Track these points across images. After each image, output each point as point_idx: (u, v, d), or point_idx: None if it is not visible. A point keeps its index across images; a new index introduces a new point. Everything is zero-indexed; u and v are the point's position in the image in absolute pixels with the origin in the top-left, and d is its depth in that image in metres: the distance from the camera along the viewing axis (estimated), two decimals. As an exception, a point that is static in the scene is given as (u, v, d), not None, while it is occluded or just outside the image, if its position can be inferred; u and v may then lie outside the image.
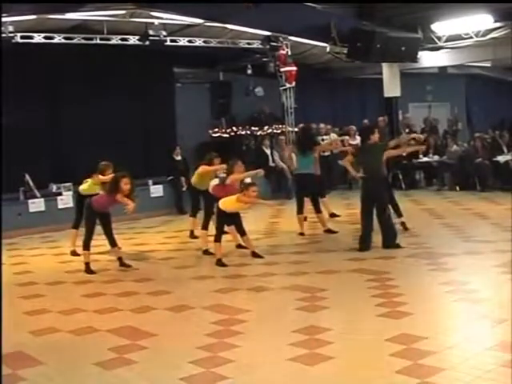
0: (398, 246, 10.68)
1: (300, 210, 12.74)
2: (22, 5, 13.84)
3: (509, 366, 5.40)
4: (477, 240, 11.10)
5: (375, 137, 10.97)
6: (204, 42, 17.91)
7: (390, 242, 10.70)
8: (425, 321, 6.88)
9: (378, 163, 10.84)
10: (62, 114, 17.96)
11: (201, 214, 12.06)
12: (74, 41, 16.25)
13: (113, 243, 10.66)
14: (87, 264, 10.41)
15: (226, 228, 10.91)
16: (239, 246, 11.28)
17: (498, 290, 7.77)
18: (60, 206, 15.53)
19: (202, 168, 12.03)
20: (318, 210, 12.78)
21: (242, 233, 10.60)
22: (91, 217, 10.53)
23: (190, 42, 17.71)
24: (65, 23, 16.08)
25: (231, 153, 16.11)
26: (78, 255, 11.32)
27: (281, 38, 18.86)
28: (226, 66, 21.17)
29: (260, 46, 18.94)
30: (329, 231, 12.58)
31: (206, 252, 11.20)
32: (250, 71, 20.20)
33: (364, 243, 10.70)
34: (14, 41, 15.00)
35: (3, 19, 14.35)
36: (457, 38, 18.29)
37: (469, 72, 24.99)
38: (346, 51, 17.69)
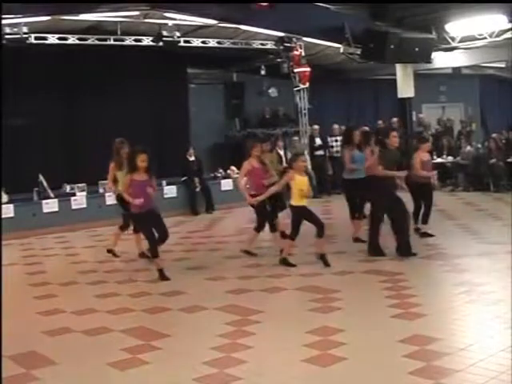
0: None
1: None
2: (36, 5, 13.87)
3: (523, 367, 5.39)
4: (490, 241, 11.06)
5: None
6: (218, 42, 17.94)
7: None
8: (438, 322, 6.88)
9: None
10: (77, 115, 18.01)
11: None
12: (88, 42, 16.30)
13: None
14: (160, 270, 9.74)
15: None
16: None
17: (512, 292, 7.74)
18: (74, 207, 15.58)
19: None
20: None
21: None
22: (137, 220, 10.22)
23: (203, 42, 17.74)
24: (79, 24, 16.10)
25: (245, 153, 16.07)
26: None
27: (294, 39, 18.82)
28: (239, 66, 21.17)
29: (274, 47, 18.92)
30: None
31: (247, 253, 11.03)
32: (263, 72, 20.22)
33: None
34: (28, 42, 15.03)
35: (17, 20, 14.42)
36: (471, 38, 18.16)
37: (483, 73, 24.85)
38: (359, 52, 17.62)
